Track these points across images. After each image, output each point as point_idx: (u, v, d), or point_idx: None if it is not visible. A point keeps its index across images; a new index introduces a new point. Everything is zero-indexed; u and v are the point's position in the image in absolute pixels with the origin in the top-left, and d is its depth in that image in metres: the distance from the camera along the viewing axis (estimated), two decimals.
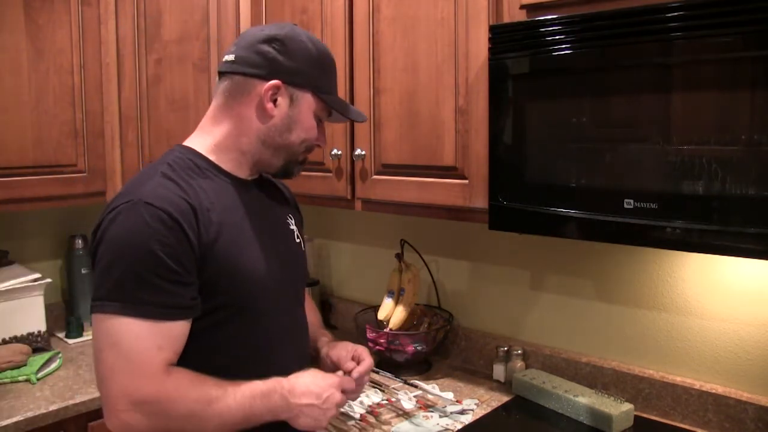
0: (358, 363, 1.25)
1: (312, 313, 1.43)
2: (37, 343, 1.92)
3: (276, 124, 1.14)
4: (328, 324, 2.26)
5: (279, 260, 1.19)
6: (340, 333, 2.08)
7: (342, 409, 1.55)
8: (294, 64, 1.13)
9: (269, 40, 1.12)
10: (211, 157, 1.15)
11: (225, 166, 1.16)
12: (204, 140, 1.16)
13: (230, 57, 1.14)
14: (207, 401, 1.02)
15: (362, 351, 1.28)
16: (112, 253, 1.00)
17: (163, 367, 1.00)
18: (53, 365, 1.81)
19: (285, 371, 1.15)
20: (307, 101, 1.16)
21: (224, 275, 1.07)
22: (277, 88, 1.12)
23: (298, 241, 1.29)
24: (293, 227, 1.29)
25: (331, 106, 1.19)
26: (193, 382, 1.02)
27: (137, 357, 0.98)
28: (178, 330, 1.03)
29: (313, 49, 1.15)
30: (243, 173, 1.18)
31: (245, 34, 1.17)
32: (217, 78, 1.18)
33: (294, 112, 1.15)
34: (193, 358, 1.07)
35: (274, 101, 1.13)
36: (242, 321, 1.11)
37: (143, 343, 0.99)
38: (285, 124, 1.15)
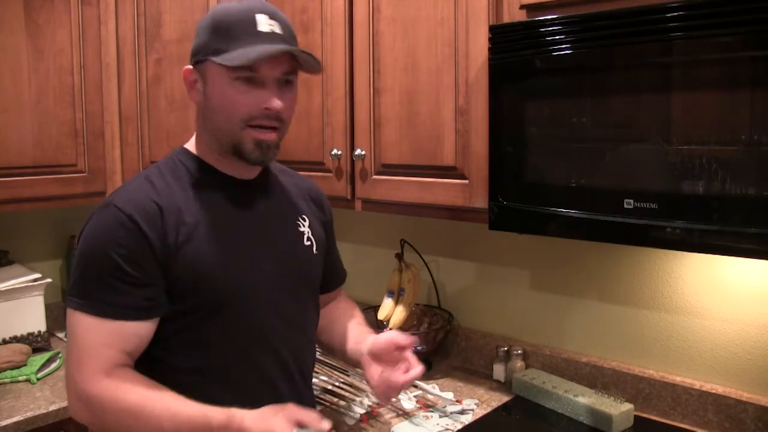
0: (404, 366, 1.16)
1: (347, 314, 1.37)
2: (37, 343, 1.92)
3: (202, 107, 1.12)
4: None
5: (270, 262, 1.16)
6: None
7: (342, 410, 1.55)
8: (196, 41, 1.11)
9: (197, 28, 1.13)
10: (201, 156, 1.16)
11: (214, 163, 1.15)
12: (192, 140, 1.18)
13: None
14: (135, 412, 1.01)
15: (408, 352, 1.17)
16: (79, 252, 1.07)
17: (105, 365, 1.03)
18: (53, 365, 1.81)
19: (263, 374, 1.15)
20: (211, 72, 1.07)
21: (195, 276, 1.07)
22: (188, 73, 1.11)
23: (308, 243, 1.25)
24: (304, 229, 1.25)
25: (225, 64, 1.03)
26: (131, 388, 1.02)
27: (83, 351, 1.03)
28: (129, 330, 1.04)
29: (208, 17, 1.09)
30: (236, 171, 1.16)
31: None
32: None
33: (207, 89, 1.09)
34: (171, 357, 1.10)
35: (194, 87, 1.11)
36: (219, 322, 1.10)
37: (91, 339, 1.03)
38: (207, 104, 1.10)
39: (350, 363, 1.31)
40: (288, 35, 1.09)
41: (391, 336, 1.19)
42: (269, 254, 1.17)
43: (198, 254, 1.07)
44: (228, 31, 1.05)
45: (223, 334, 1.11)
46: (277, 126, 1.10)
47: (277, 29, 1.07)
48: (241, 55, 1.02)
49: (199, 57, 1.09)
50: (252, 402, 1.11)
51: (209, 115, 1.11)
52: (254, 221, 1.17)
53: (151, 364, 1.09)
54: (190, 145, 1.18)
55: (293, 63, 1.09)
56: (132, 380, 1.04)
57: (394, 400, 1.59)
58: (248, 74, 1.05)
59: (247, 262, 1.13)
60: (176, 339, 1.09)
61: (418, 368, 1.15)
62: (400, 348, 1.17)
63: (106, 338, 1.03)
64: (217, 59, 1.04)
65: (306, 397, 1.24)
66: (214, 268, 1.09)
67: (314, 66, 1.11)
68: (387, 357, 1.19)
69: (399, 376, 1.14)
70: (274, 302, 1.17)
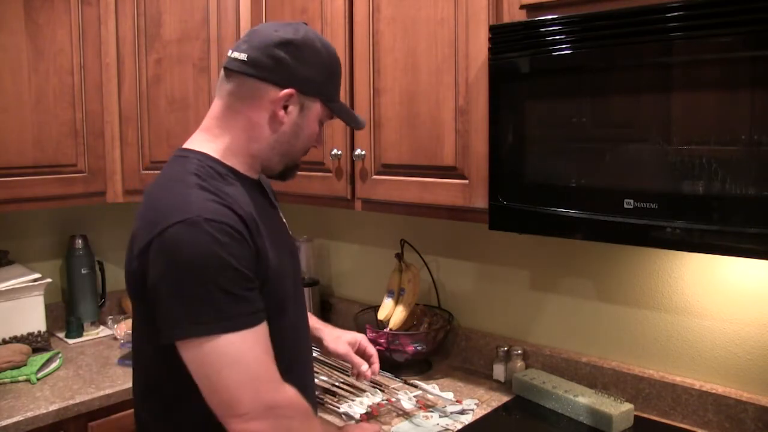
0: (365, 356, 1.42)
1: None
2: (37, 343, 1.92)
3: (285, 132, 1.14)
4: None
5: (290, 256, 1.22)
6: None
7: (342, 410, 1.55)
8: (307, 71, 1.11)
9: (284, 44, 1.09)
10: (227, 162, 1.13)
11: (239, 168, 1.14)
12: (215, 145, 1.13)
13: (241, 56, 1.10)
14: (311, 420, 1.09)
15: (365, 344, 1.43)
16: (192, 275, 0.97)
17: (277, 373, 1.03)
18: (53, 365, 1.81)
19: (307, 366, 1.24)
20: (315, 109, 1.15)
21: (271, 278, 1.08)
22: (290, 96, 1.10)
23: (291, 234, 1.31)
24: (285, 221, 1.30)
25: (338, 115, 1.19)
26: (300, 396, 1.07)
27: (258, 366, 0.99)
28: (266, 331, 1.04)
29: (325, 55, 1.14)
30: (252, 175, 1.18)
31: (258, 32, 1.13)
32: (221, 75, 1.15)
33: (302, 120, 1.14)
34: None
35: (285, 108, 1.11)
36: (279, 322, 1.11)
37: (256, 352, 1.00)
38: (293, 132, 1.14)
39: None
40: None
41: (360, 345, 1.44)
42: (290, 249, 1.23)
43: (269, 256, 1.08)
44: (336, 80, 1.19)
45: (282, 332, 1.12)
46: None
47: None
48: (348, 116, 1.22)
49: (310, 90, 1.13)
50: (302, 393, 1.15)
51: (290, 137, 1.15)
52: (274, 219, 1.22)
53: None
54: (208, 149, 1.13)
55: None
56: (296, 390, 1.07)
57: (393, 399, 1.59)
58: (326, 120, 1.20)
59: (286, 260, 1.17)
60: None
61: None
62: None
63: (263, 345, 1.02)
64: (331, 105, 1.17)
65: (314, 388, 1.33)
66: (279, 268, 1.11)
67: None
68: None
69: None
70: (299, 297, 1.24)
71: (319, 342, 1.42)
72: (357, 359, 1.40)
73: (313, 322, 1.44)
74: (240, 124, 1.12)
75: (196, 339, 0.96)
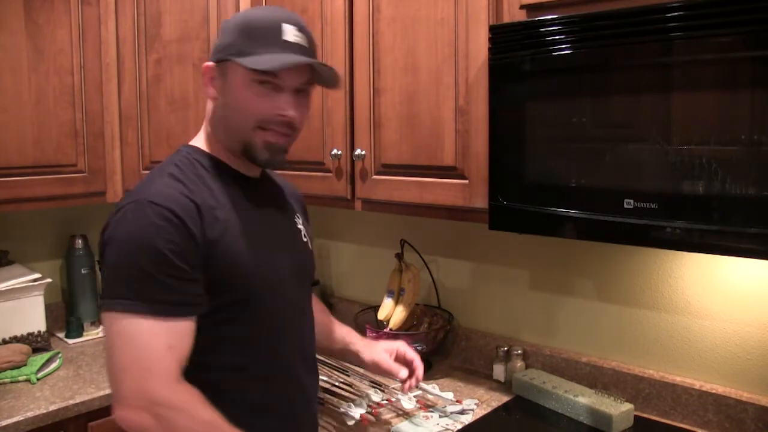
0: (406, 363, 1.38)
1: (322, 313, 1.44)
2: (37, 343, 1.92)
3: (218, 105, 1.13)
4: None
5: (286, 257, 1.20)
6: None
7: (342, 410, 1.55)
8: (222, 40, 1.12)
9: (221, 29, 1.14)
10: (215, 153, 1.16)
11: (226, 160, 1.16)
12: (202, 137, 1.18)
13: None
14: (216, 427, 1.00)
15: (403, 349, 1.38)
16: (120, 253, 1.01)
17: (175, 369, 1.00)
18: (53, 365, 1.81)
19: (289, 367, 1.18)
20: (233, 72, 1.09)
21: (229, 272, 1.07)
22: (208, 70, 1.12)
23: (305, 240, 1.29)
24: (300, 226, 1.29)
25: (250, 66, 1.05)
26: (204, 404, 1.02)
27: (149, 356, 0.98)
28: (185, 327, 1.03)
29: (240, 18, 1.11)
30: (243, 169, 1.18)
31: None
32: None
33: (226, 87, 1.10)
34: (203, 353, 1.08)
35: (213, 84, 1.12)
36: (248, 317, 1.11)
37: (154, 342, 0.99)
38: (223, 103, 1.12)
39: (334, 354, 1.48)
40: (312, 49, 1.13)
41: (398, 353, 1.40)
42: (284, 249, 1.20)
43: (231, 250, 1.08)
44: (256, 36, 1.08)
45: (251, 329, 1.12)
46: (288, 133, 1.12)
47: (303, 42, 1.10)
48: (269, 60, 1.05)
49: (223, 55, 1.10)
50: (280, 395, 1.16)
51: (225, 113, 1.12)
52: (269, 217, 1.20)
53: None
54: (199, 143, 1.18)
55: (312, 75, 1.12)
56: (199, 393, 1.02)
57: (393, 399, 1.59)
58: (269, 79, 1.08)
59: (270, 257, 1.15)
60: (207, 336, 1.08)
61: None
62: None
63: (167, 339, 1.00)
64: (242, 61, 1.06)
65: (317, 387, 1.30)
66: (245, 263, 1.09)
67: (332, 81, 1.14)
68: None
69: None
70: (292, 295, 1.20)
71: (356, 356, 1.39)
72: (395, 366, 1.35)
73: (350, 337, 1.42)
74: (207, 114, 1.17)
75: (108, 312, 1.00)
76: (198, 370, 1.07)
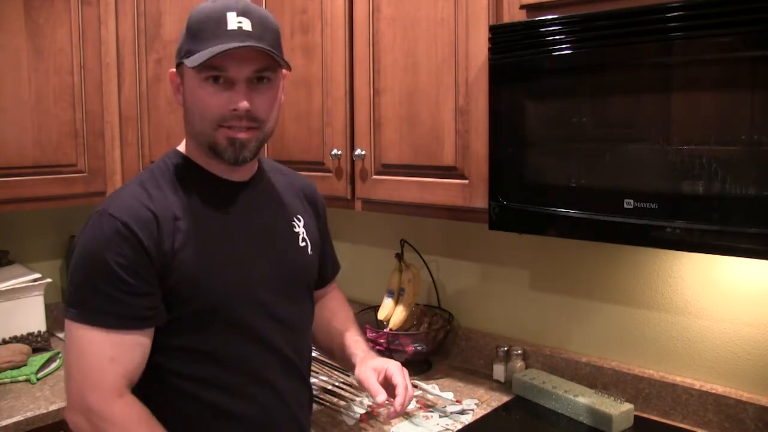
0: (390, 387, 1.20)
1: (342, 315, 1.41)
2: (37, 343, 1.92)
3: (185, 110, 1.11)
4: None
5: (264, 265, 1.16)
6: None
7: (342, 409, 1.55)
8: (179, 43, 1.10)
9: None
10: (193, 159, 1.14)
11: (205, 165, 1.14)
12: (184, 142, 1.17)
13: None
14: None
15: (392, 371, 1.21)
16: (76, 262, 1.04)
17: (116, 382, 1.01)
18: (53, 365, 1.81)
19: (265, 378, 1.15)
20: (186, 75, 1.08)
21: (190, 284, 1.06)
22: (172, 76, 1.12)
23: (302, 244, 1.24)
24: (298, 230, 1.24)
25: (189, 65, 1.03)
26: (142, 422, 1.01)
27: (90, 366, 1.01)
28: (132, 340, 1.03)
29: (188, 19, 1.08)
30: (225, 173, 1.15)
31: None
32: None
33: (184, 91, 1.09)
34: (172, 361, 1.08)
35: (178, 90, 1.12)
36: (214, 327, 1.09)
37: (96, 352, 1.01)
38: (187, 107, 1.10)
39: (339, 363, 1.43)
40: (260, 31, 1.05)
41: (386, 375, 1.22)
42: (264, 257, 1.17)
43: (193, 261, 1.06)
44: (199, 32, 1.04)
45: (220, 339, 1.10)
46: (253, 126, 1.07)
47: (246, 26, 1.03)
48: (201, 55, 1.01)
49: (177, 59, 1.09)
50: (253, 404, 1.13)
51: (188, 116, 1.11)
52: (248, 224, 1.16)
53: (150, 372, 1.07)
54: (183, 147, 1.17)
55: (268, 60, 1.06)
56: (141, 411, 1.03)
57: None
58: (214, 74, 1.03)
59: (242, 266, 1.12)
60: (173, 346, 1.08)
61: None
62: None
63: (111, 351, 1.01)
64: (186, 62, 1.04)
65: (303, 395, 1.26)
66: (209, 274, 1.08)
67: (282, 62, 1.08)
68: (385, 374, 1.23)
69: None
70: (270, 305, 1.16)
71: (353, 369, 1.29)
72: (375, 387, 1.19)
73: (354, 348, 1.32)
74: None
75: (65, 319, 1.04)
76: (169, 377, 1.08)
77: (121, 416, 1.00)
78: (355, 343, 1.33)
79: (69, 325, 1.03)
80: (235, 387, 1.12)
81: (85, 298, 1.02)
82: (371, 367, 1.23)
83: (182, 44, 1.08)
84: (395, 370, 1.21)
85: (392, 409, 1.17)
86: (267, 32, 1.06)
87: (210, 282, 1.08)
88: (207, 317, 1.09)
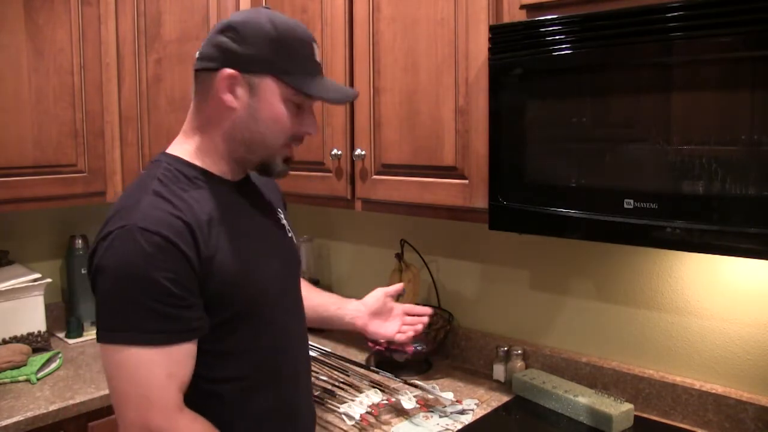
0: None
1: (309, 289, 1.48)
2: (37, 343, 1.92)
3: (240, 117, 1.07)
4: None
5: (278, 259, 1.18)
6: (339, 332, 2.08)
7: (342, 410, 1.55)
8: (249, 49, 1.04)
9: (224, 30, 1.07)
10: (197, 163, 1.11)
11: (212, 169, 1.11)
12: (188, 146, 1.12)
13: (197, 54, 1.10)
14: None
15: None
16: (113, 283, 0.98)
17: (176, 397, 0.99)
18: (53, 365, 1.81)
19: (295, 372, 1.19)
20: (269, 88, 1.06)
21: (228, 286, 1.05)
22: (231, 78, 1.05)
23: (290, 235, 1.26)
24: (284, 221, 1.26)
25: (296, 87, 1.06)
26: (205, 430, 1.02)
27: (149, 387, 0.97)
28: (185, 352, 1.01)
29: (271, 29, 1.05)
30: (230, 175, 1.14)
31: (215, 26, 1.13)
32: None
33: (256, 101, 1.06)
34: (206, 367, 1.07)
35: (234, 93, 1.07)
36: (251, 326, 1.10)
37: (154, 372, 0.97)
38: (249, 116, 1.07)
39: (332, 326, 1.51)
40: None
41: (382, 290, 1.50)
42: (275, 253, 1.18)
43: (226, 265, 1.05)
44: (291, 53, 1.06)
45: (254, 339, 1.11)
46: (298, 145, 1.15)
47: (318, 56, 1.11)
48: (321, 87, 1.08)
49: (255, 68, 1.05)
50: (284, 398, 1.16)
51: (252, 126, 1.07)
52: (257, 222, 1.17)
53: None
54: (180, 152, 1.12)
55: None
56: (204, 423, 1.02)
57: (393, 399, 1.59)
58: (304, 100, 1.09)
59: (263, 264, 1.13)
60: (209, 351, 1.06)
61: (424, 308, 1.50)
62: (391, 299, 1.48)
63: (167, 368, 0.98)
64: (289, 80, 1.06)
65: (310, 391, 1.30)
66: (242, 276, 1.07)
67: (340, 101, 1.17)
68: (383, 309, 1.48)
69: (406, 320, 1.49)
70: (287, 300, 1.19)
71: (340, 321, 1.47)
72: (385, 331, 1.46)
73: (334, 304, 1.48)
74: (204, 122, 1.10)
75: (105, 344, 0.98)
76: (201, 382, 1.06)
77: (186, 429, 0.99)
78: (333, 303, 1.49)
79: (113, 349, 0.97)
80: (268, 384, 1.13)
81: (131, 318, 0.97)
82: (368, 312, 1.46)
83: (269, 56, 1.05)
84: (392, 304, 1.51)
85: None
86: None
87: (245, 284, 1.08)
88: (242, 319, 1.09)
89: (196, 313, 1.01)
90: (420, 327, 1.47)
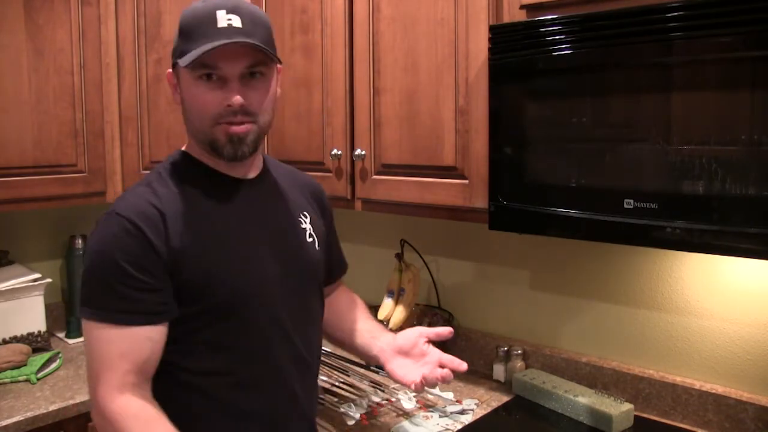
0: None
1: (353, 307, 1.41)
2: (37, 343, 1.92)
3: (183, 110, 1.13)
4: None
5: (275, 262, 1.16)
6: None
7: (342, 410, 1.55)
8: (173, 44, 1.11)
9: None
10: (198, 158, 1.16)
11: (211, 164, 1.15)
12: (189, 141, 1.18)
13: None
14: None
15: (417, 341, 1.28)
16: (89, 263, 1.06)
17: (121, 378, 1.02)
18: (53, 365, 1.81)
19: (278, 375, 1.16)
20: (182, 75, 1.09)
21: (200, 281, 1.08)
22: (169, 77, 1.13)
23: (310, 240, 1.24)
24: (305, 225, 1.25)
25: (182, 65, 1.05)
26: (137, 417, 1.02)
27: (101, 362, 1.04)
28: (142, 335, 1.04)
29: (181, 18, 1.09)
30: (231, 170, 1.16)
31: None
32: None
33: (181, 91, 1.11)
34: (184, 356, 1.09)
35: (176, 89, 1.13)
36: (225, 324, 1.10)
37: (107, 349, 1.03)
38: (184, 107, 1.12)
39: (360, 356, 1.39)
40: (251, 27, 1.06)
41: (419, 330, 1.31)
42: (273, 253, 1.17)
43: (205, 257, 1.08)
44: (190, 32, 1.06)
45: (232, 335, 1.11)
46: (247, 120, 1.08)
47: (236, 23, 1.05)
48: (192, 54, 1.03)
49: (173, 60, 1.10)
50: (265, 401, 1.14)
51: (186, 116, 1.12)
52: (256, 220, 1.17)
53: (164, 368, 1.08)
54: (187, 147, 1.18)
55: (259, 55, 1.07)
56: (141, 407, 1.03)
57: (394, 399, 1.59)
58: (207, 72, 1.05)
59: (253, 262, 1.14)
60: (186, 341, 1.09)
61: (460, 364, 1.24)
62: (426, 341, 1.28)
63: (121, 347, 1.03)
64: (179, 62, 1.06)
65: (313, 392, 1.28)
66: (221, 270, 1.09)
67: (273, 56, 1.09)
68: (414, 350, 1.28)
69: (436, 371, 1.22)
70: (281, 301, 1.17)
71: (368, 351, 1.33)
72: (404, 378, 1.24)
73: (371, 335, 1.34)
74: None
75: (81, 319, 1.07)
76: (182, 374, 1.09)
77: (118, 411, 1.01)
78: (369, 331, 1.35)
79: (84, 324, 1.06)
80: (250, 383, 1.13)
81: (96, 295, 1.04)
82: (394, 350, 1.29)
83: (176, 45, 1.10)
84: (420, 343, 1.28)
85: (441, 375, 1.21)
86: (257, 28, 1.08)
87: (221, 278, 1.09)
88: (220, 313, 1.10)
89: (159, 298, 1.05)
90: (449, 377, 1.21)
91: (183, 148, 1.19)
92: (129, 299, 1.03)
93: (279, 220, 1.22)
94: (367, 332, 1.35)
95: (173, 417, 1.05)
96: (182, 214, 1.08)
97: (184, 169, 1.15)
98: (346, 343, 1.39)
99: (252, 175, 1.20)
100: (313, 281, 1.27)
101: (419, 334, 1.29)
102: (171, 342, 1.08)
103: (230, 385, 1.11)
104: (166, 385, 1.09)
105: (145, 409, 1.03)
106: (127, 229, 1.04)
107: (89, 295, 1.05)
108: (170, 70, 1.13)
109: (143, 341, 1.04)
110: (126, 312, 1.03)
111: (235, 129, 1.07)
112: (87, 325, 1.05)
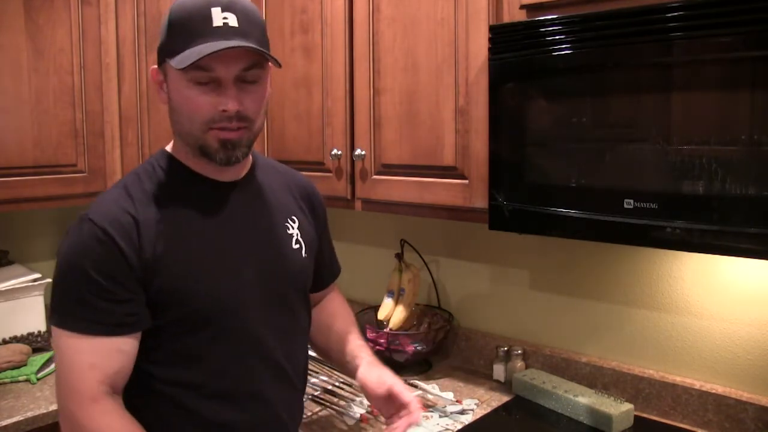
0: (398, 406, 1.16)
1: (341, 318, 1.37)
2: (37, 343, 1.92)
3: (169, 109, 1.07)
4: None
5: (253, 269, 1.12)
6: None
7: (342, 410, 1.55)
8: (159, 41, 1.05)
9: None
10: (181, 159, 1.11)
11: (193, 166, 1.11)
12: (173, 142, 1.14)
13: None
14: None
15: (399, 389, 1.17)
16: (58, 269, 1.03)
17: (92, 388, 1.00)
18: (53, 365, 1.81)
19: (254, 387, 1.12)
20: (171, 74, 1.02)
21: (175, 289, 1.04)
22: (153, 73, 1.08)
23: (296, 246, 1.19)
24: (292, 231, 1.20)
25: (175, 67, 0.98)
26: (112, 428, 1.00)
27: (70, 372, 1.01)
28: (112, 346, 1.01)
29: (169, 14, 1.03)
30: (214, 173, 1.11)
31: None
32: None
33: (169, 91, 1.05)
34: (157, 366, 1.07)
35: (162, 88, 1.07)
36: (203, 334, 1.07)
37: (76, 358, 1.01)
38: (171, 107, 1.06)
39: (345, 374, 1.37)
40: (246, 27, 1.01)
41: (391, 390, 1.18)
42: (253, 261, 1.12)
43: (178, 266, 1.04)
44: (182, 30, 1.00)
45: (208, 346, 1.08)
46: (243, 126, 1.04)
47: (232, 21, 0.99)
48: (187, 56, 0.97)
49: (161, 58, 1.05)
50: (240, 413, 1.11)
51: (174, 117, 1.07)
52: (238, 226, 1.12)
53: (138, 378, 1.06)
54: (170, 147, 1.13)
55: (256, 57, 1.02)
56: (116, 419, 1.01)
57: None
58: (202, 74, 0.99)
59: (230, 270, 1.09)
60: (161, 352, 1.07)
61: (415, 414, 1.16)
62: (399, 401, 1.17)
63: (90, 357, 1.00)
64: (171, 62, 1.00)
65: (295, 405, 1.23)
66: (195, 279, 1.05)
67: (271, 59, 1.05)
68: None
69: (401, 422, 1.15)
70: (260, 310, 1.12)
71: (353, 374, 1.26)
72: (378, 403, 1.20)
73: (359, 352, 1.27)
74: None
75: (51, 325, 1.04)
76: (156, 384, 1.07)
77: (95, 423, 0.99)
78: (357, 348, 1.29)
79: (53, 332, 1.03)
80: (224, 395, 1.10)
81: (66, 304, 1.01)
82: (378, 376, 1.20)
83: (164, 41, 1.03)
84: (402, 388, 1.18)
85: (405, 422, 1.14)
86: (253, 27, 1.02)
87: (196, 287, 1.05)
88: (194, 323, 1.06)
89: (130, 309, 1.02)
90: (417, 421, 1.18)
91: (167, 149, 1.13)
92: (98, 309, 1.00)
93: (262, 226, 1.16)
94: (350, 353, 1.28)
95: (146, 427, 1.03)
96: (157, 221, 1.04)
97: (164, 171, 1.10)
98: (333, 357, 1.35)
99: (236, 177, 1.15)
100: (297, 290, 1.21)
101: (390, 388, 1.18)
102: (144, 351, 1.05)
103: (204, 396, 1.08)
104: (138, 393, 1.07)
105: (121, 422, 1.01)
106: (98, 237, 1.00)
107: (59, 303, 1.02)
108: (155, 66, 1.07)
109: (114, 352, 1.02)
110: (95, 322, 1.00)
111: (230, 135, 1.03)
112: (57, 332, 1.02)
